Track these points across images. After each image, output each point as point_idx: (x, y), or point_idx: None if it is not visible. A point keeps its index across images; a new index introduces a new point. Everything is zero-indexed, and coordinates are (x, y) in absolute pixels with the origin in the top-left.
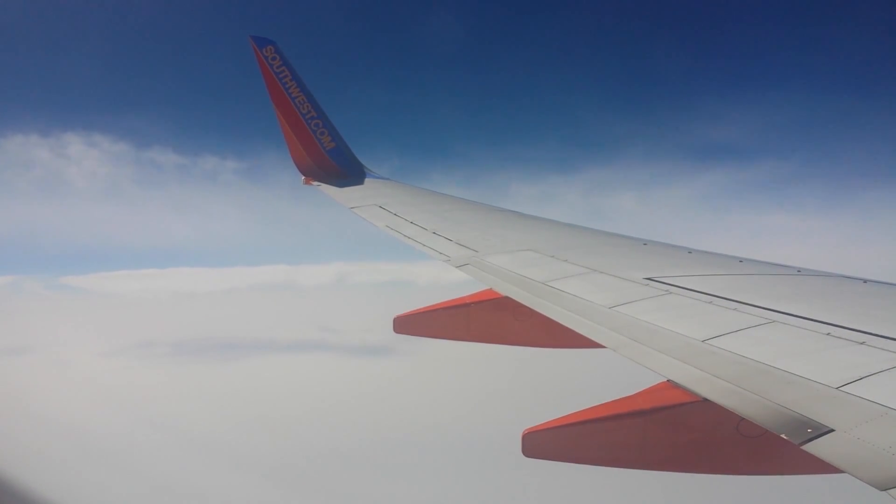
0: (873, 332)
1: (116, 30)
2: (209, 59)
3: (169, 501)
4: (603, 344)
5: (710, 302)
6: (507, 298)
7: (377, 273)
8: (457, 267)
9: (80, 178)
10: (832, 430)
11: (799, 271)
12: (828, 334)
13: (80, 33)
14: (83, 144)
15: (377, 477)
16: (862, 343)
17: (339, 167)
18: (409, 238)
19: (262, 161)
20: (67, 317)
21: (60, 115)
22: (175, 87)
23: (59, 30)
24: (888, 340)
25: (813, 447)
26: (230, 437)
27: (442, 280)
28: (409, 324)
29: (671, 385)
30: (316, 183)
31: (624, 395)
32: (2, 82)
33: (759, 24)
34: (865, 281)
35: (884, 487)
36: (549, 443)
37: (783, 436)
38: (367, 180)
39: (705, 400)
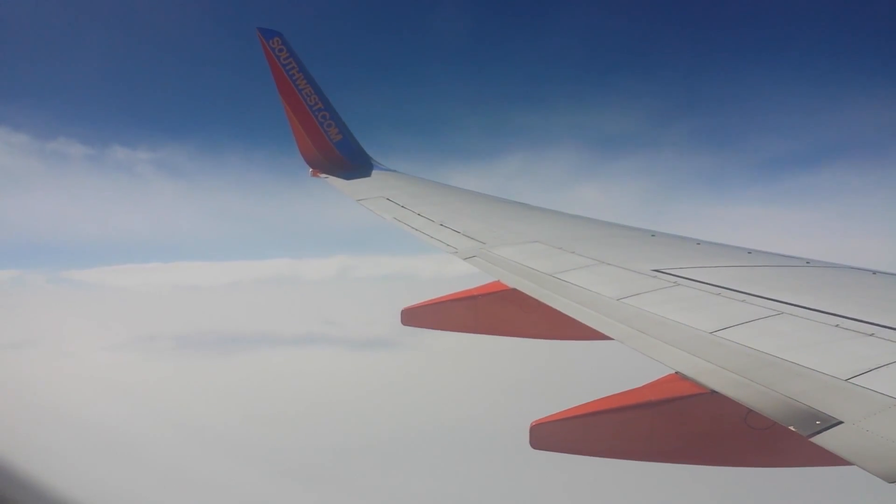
0: (882, 323)
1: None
2: (210, 55)
3: (172, 494)
4: (610, 336)
5: (719, 294)
6: (514, 290)
7: (379, 266)
8: (464, 259)
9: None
10: (841, 423)
11: (808, 263)
12: (837, 326)
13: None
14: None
15: (384, 469)
16: (871, 335)
17: (347, 159)
18: (416, 230)
19: (268, 155)
20: (70, 310)
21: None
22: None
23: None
24: None
25: (821, 439)
26: (234, 431)
27: (444, 273)
28: (416, 316)
29: (679, 377)
30: (323, 175)
31: (631, 387)
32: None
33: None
34: (874, 272)
35: (892, 480)
36: (556, 434)
37: (791, 428)
38: (374, 172)
39: (713, 392)
